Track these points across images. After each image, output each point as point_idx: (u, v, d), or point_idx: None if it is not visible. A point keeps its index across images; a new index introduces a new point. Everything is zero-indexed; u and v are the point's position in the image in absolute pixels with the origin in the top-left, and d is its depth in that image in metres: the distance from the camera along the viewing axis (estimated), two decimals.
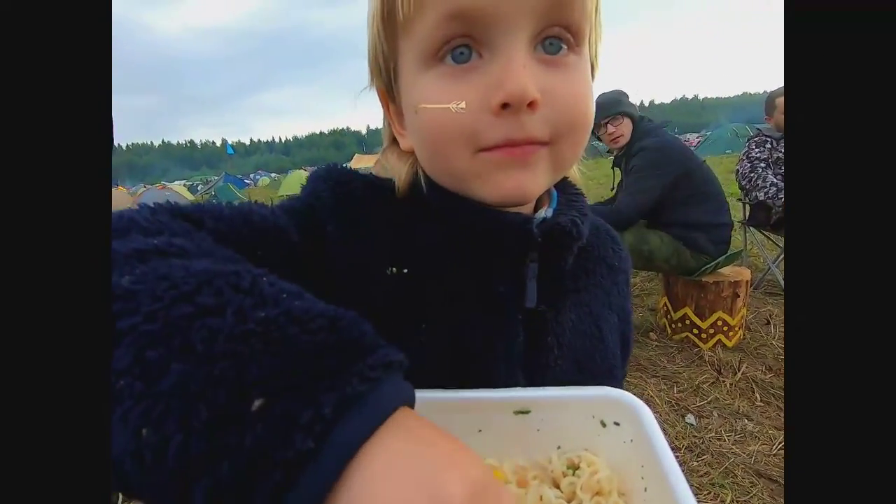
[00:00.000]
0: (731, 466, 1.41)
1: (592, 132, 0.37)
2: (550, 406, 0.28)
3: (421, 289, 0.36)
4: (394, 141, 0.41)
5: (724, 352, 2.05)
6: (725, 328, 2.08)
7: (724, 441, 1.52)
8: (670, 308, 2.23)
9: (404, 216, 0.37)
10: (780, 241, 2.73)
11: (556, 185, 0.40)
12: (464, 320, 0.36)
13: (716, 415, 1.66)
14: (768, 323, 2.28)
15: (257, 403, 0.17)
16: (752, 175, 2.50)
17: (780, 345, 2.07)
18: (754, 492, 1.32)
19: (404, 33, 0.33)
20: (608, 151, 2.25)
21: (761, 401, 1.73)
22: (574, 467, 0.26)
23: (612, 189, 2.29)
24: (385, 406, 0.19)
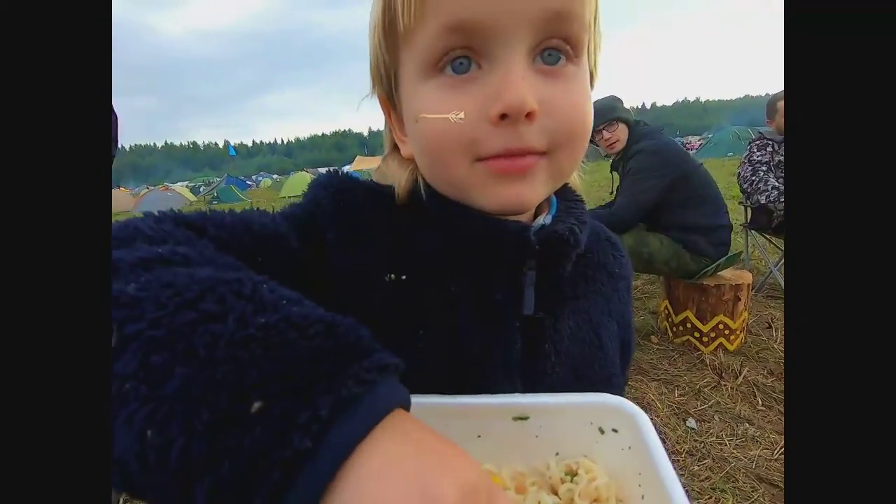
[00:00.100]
0: (733, 471, 1.41)
1: (590, 139, 0.37)
2: (549, 412, 0.28)
3: (419, 295, 0.36)
4: (395, 147, 0.41)
5: (726, 355, 2.05)
6: (727, 332, 2.07)
7: (726, 445, 1.51)
8: (671, 311, 2.23)
9: (404, 223, 0.38)
10: (782, 245, 2.72)
11: (557, 192, 0.41)
12: (462, 327, 0.37)
13: (717, 419, 1.65)
14: (770, 327, 2.28)
15: (256, 406, 0.17)
16: (753, 178, 2.49)
17: (782, 349, 2.06)
18: (755, 497, 1.31)
19: (405, 44, 0.33)
20: (606, 156, 2.27)
21: (763, 405, 1.72)
22: (572, 474, 0.26)
23: (612, 193, 2.30)
24: (380, 407, 0.19)
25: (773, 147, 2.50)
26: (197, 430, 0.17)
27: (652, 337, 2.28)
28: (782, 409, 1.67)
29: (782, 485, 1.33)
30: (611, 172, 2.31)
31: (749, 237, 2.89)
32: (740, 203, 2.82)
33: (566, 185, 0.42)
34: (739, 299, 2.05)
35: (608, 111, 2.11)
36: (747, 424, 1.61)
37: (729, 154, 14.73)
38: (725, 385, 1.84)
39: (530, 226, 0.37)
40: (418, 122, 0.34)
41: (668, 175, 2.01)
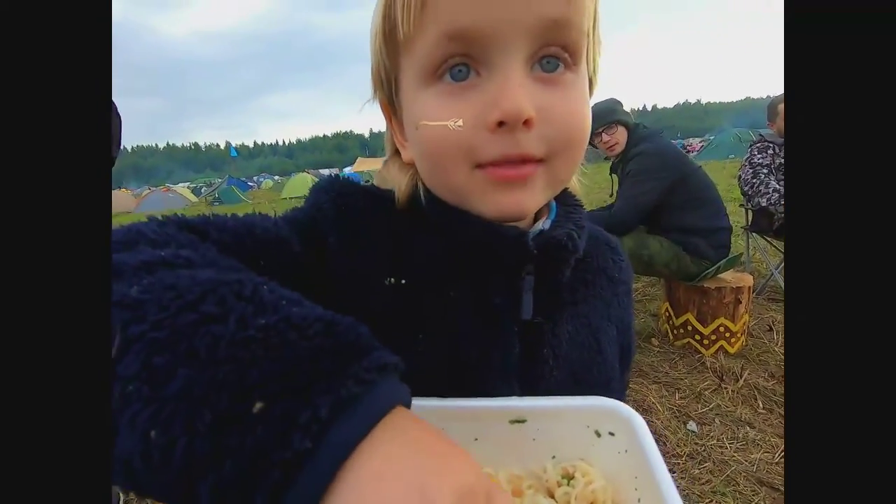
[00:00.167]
0: (733, 474, 1.40)
1: (588, 141, 0.38)
2: (546, 416, 0.28)
3: (419, 299, 0.36)
4: (396, 152, 0.42)
5: (727, 358, 2.04)
6: (727, 334, 2.07)
7: (726, 449, 1.51)
8: (672, 313, 2.22)
9: (404, 228, 0.38)
10: (783, 248, 2.72)
11: (556, 197, 0.41)
12: (461, 331, 0.37)
13: (718, 422, 1.65)
14: (771, 329, 2.27)
15: (258, 406, 0.18)
16: (754, 181, 2.49)
17: (783, 352, 2.05)
18: (756, 501, 1.31)
19: (405, 51, 0.34)
20: (606, 158, 2.28)
21: (763, 408, 1.71)
22: (569, 477, 0.26)
23: (611, 195, 2.30)
24: (379, 407, 0.19)
25: (773, 150, 2.50)
26: (199, 430, 0.17)
27: (652, 339, 2.28)
28: (783, 413, 1.66)
29: (783, 488, 1.32)
30: (610, 175, 2.31)
31: (750, 240, 2.89)
32: (741, 205, 2.82)
33: (566, 189, 0.42)
34: (740, 302, 2.04)
35: (607, 114, 2.12)
36: (748, 428, 1.60)
37: (730, 156, 14.73)
38: (726, 388, 1.84)
39: (528, 231, 0.37)
40: (418, 128, 0.34)
41: (667, 178, 2.01)
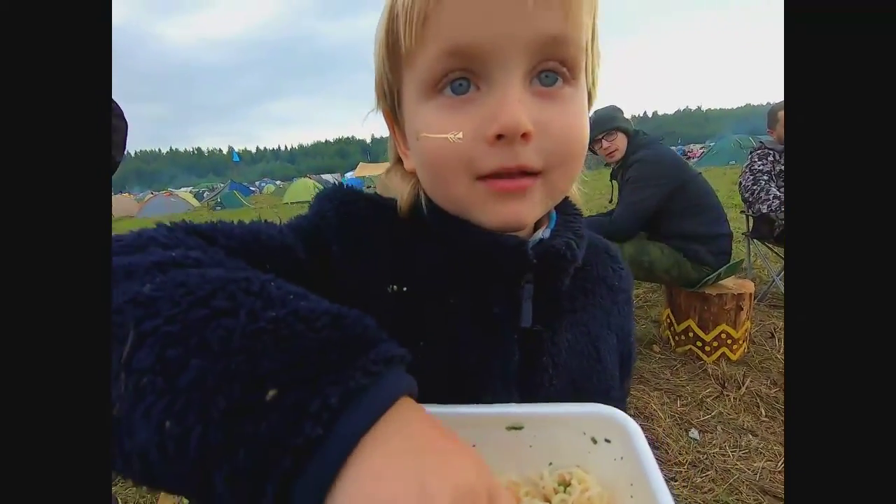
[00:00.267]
0: (736, 483, 1.39)
1: (588, 147, 0.38)
2: (543, 422, 0.28)
3: (420, 307, 0.37)
4: (399, 160, 0.42)
5: (728, 365, 2.03)
6: (729, 341, 2.06)
7: (729, 457, 1.50)
8: (673, 320, 2.21)
9: (405, 236, 0.39)
10: (784, 254, 2.71)
11: (556, 206, 0.41)
12: (461, 339, 0.37)
13: (720, 430, 1.64)
14: (773, 336, 2.26)
15: (271, 394, 0.18)
16: (754, 188, 2.50)
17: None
18: None
19: (407, 64, 0.35)
20: (606, 164, 2.29)
21: (766, 416, 1.70)
22: (565, 484, 0.26)
23: (611, 201, 2.31)
24: (386, 398, 0.20)
25: (774, 157, 2.51)
26: (214, 419, 0.17)
27: (654, 346, 2.27)
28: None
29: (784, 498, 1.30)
30: (611, 181, 2.32)
31: (751, 246, 2.88)
32: (742, 212, 2.82)
33: (565, 198, 0.43)
34: (742, 308, 2.04)
35: (607, 121, 2.13)
36: (750, 436, 1.59)
37: (731, 162, 14.76)
38: (728, 395, 1.82)
39: (528, 240, 0.38)
40: (419, 140, 0.35)
41: (666, 184, 2.02)
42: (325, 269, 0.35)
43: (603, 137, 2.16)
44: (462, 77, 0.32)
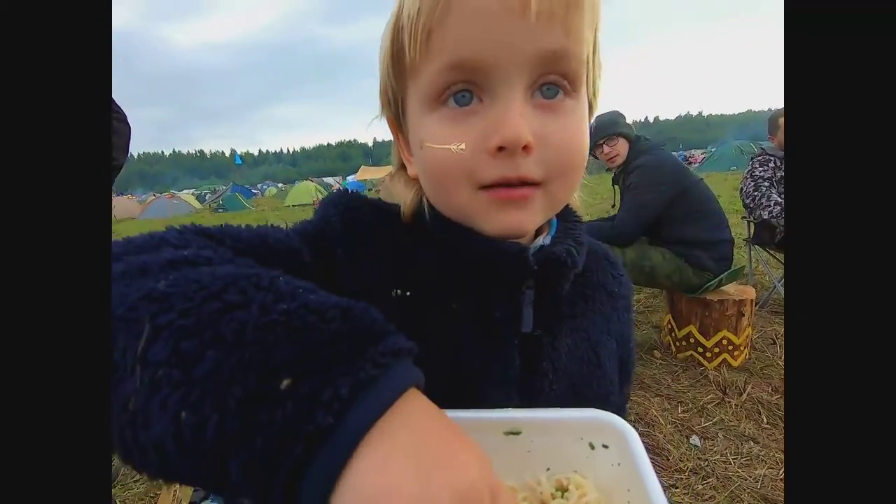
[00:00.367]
0: (738, 490, 1.38)
1: (590, 152, 0.39)
2: (541, 428, 0.28)
3: (423, 311, 0.37)
4: (402, 166, 0.43)
5: (730, 371, 2.02)
6: (730, 347, 2.05)
7: (730, 464, 1.48)
8: (674, 326, 2.21)
9: (409, 241, 0.39)
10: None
11: (557, 213, 0.42)
12: (462, 343, 0.37)
13: (721, 436, 1.62)
14: (774, 343, 2.25)
15: (285, 383, 0.18)
16: (755, 194, 2.50)
17: None
18: None
19: (411, 75, 0.35)
20: (607, 170, 2.30)
21: (767, 423, 1.69)
22: (563, 489, 0.26)
23: (613, 205, 2.32)
24: (394, 388, 0.20)
25: (775, 163, 2.51)
26: (230, 407, 0.18)
27: (655, 351, 2.26)
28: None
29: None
30: (613, 186, 2.33)
31: (752, 252, 2.88)
32: (743, 218, 2.82)
33: (567, 205, 0.43)
34: (743, 315, 2.03)
35: (609, 126, 2.14)
36: (752, 443, 1.58)
37: (732, 168, 14.76)
38: (729, 402, 1.82)
39: (529, 247, 0.38)
40: (423, 149, 0.36)
41: (667, 190, 2.03)
42: (329, 272, 0.36)
43: (604, 142, 2.17)
44: (465, 90, 0.33)
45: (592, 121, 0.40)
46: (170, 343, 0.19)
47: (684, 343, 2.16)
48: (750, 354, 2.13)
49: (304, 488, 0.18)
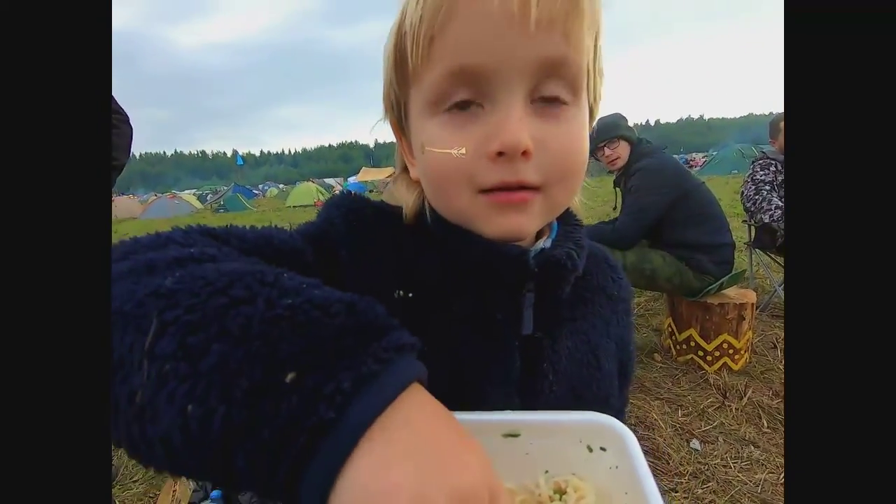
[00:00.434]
0: (738, 495, 1.37)
1: (592, 155, 0.39)
2: (539, 430, 0.28)
3: (424, 313, 0.37)
4: (405, 168, 0.43)
5: (730, 375, 2.01)
6: (731, 351, 2.04)
7: (730, 468, 1.48)
8: (675, 329, 2.20)
9: (411, 243, 0.40)
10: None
11: (558, 216, 0.42)
12: (463, 345, 0.38)
13: (721, 440, 1.62)
14: (775, 347, 2.24)
15: (290, 376, 0.19)
16: (756, 197, 2.49)
17: None
18: None
19: (414, 80, 0.36)
20: (608, 172, 2.30)
21: (768, 427, 1.68)
22: (561, 492, 0.26)
23: (615, 208, 2.31)
24: (396, 383, 0.20)
25: (775, 167, 2.51)
26: (236, 399, 0.18)
27: (655, 355, 2.26)
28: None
29: None
30: (614, 188, 2.33)
31: (753, 256, 2.88)
32: (744, 221, 2.81)
33: (567, 209, 0.44)
34: (744, 318, 2.02)
35: (611, 128, 2.14)
36: (752, 447, 1.57)
37: (733, 171, 14.76)
38: (730, 406, 1.81)
39: (529, 250, 0.39)
40: (424, 153, 0.36)
41: (668, 193, 2.03)
42: (333, 273, 0.36)
43: (605, 145, 2.17)
44: (466, 96, 0.34)
45: (594, 125, 0.41)
46: (176, 337, 0.20)
47: (685, 346, 2.15)
48: (750, 358, 2.13)
49: (305, 481, 0.18)
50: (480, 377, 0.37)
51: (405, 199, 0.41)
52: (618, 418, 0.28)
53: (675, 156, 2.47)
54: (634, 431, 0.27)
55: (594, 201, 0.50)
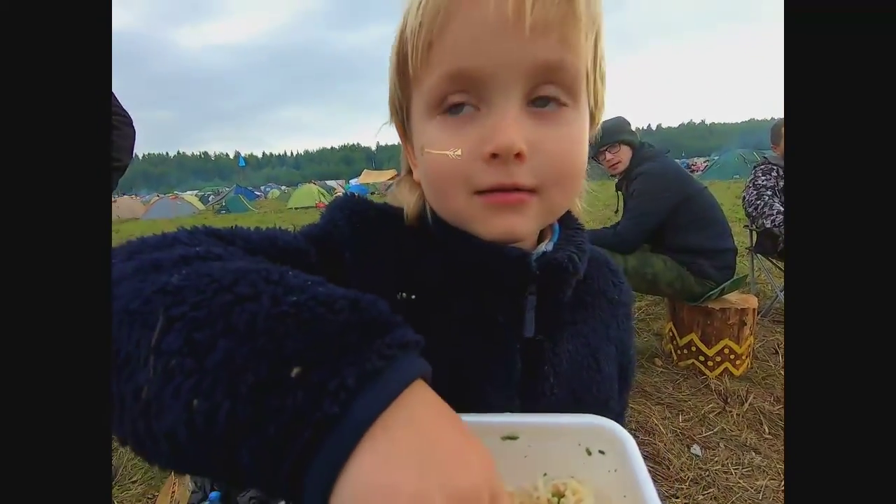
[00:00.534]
0: (739, 501, 1.36)
1: (594, 158, 0.40)
2: (538, 433, 0.28)
3: (426, 315, 0.38)
4: (409, 171, 0.44)
5: (731, 381, 2.01)
6: (732, 356, 2.04)
7: (731, 475, 1.47)
8: (676, 334, 2.20)
9: (413, 245, 0.40)
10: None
11: (559, 220, 0.42)
12: (465, 347, 0.38)
13: (722, 446, 1.61)
14: (776, 353, 2.23)
15: (296, 372, 0.19)
16: (758, 202, 2.49)
17: None
18: None
19: (414, 84, 0.37)
20: (610, 176, 2.30)
21: (769, 433, 1.67)
22: (559, 495, 0.26)
23: (616, 212, 2.31)
24: (399, 380, 0.21)
25: (777, 172, 2.51)
26: (242, 394, 0.18)
27: (656, 359, 2.25)
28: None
29: None
30: (616, 192, 2.33)
31: (755, 261, 2.87)
32: (746, 226, 2.81)
33: (568, 212, 0.44)
34: (745, 324, 2.02)
35: (613, 133, 2.14)
36: (753, 453, 1.56)
37: (735, 176, 14.75)
38: (731, 411, 1.80)
39: (531, 253, 0.39)
40: (423, 154, 0.37)
41: (670, 198, 2.02)
42: (336, 274, 0.36)
43: (607, 149, 2.17)
44: (463, 99, 0.34)
45: (598, 129, 0.41)
46: (183, 333, 0.20)
47: (686, 351, 2.14)
48: (752, 364, 2.12)
49: (309, 476, 0.18)
50: (481, 379, 0.38)
51: (407, 200, 0.42)
52: (618, 422, 0.28)
53: (676, 160, 2.47)
54: (634, 436, 0.27)
55: (593, 206, 0.50)
